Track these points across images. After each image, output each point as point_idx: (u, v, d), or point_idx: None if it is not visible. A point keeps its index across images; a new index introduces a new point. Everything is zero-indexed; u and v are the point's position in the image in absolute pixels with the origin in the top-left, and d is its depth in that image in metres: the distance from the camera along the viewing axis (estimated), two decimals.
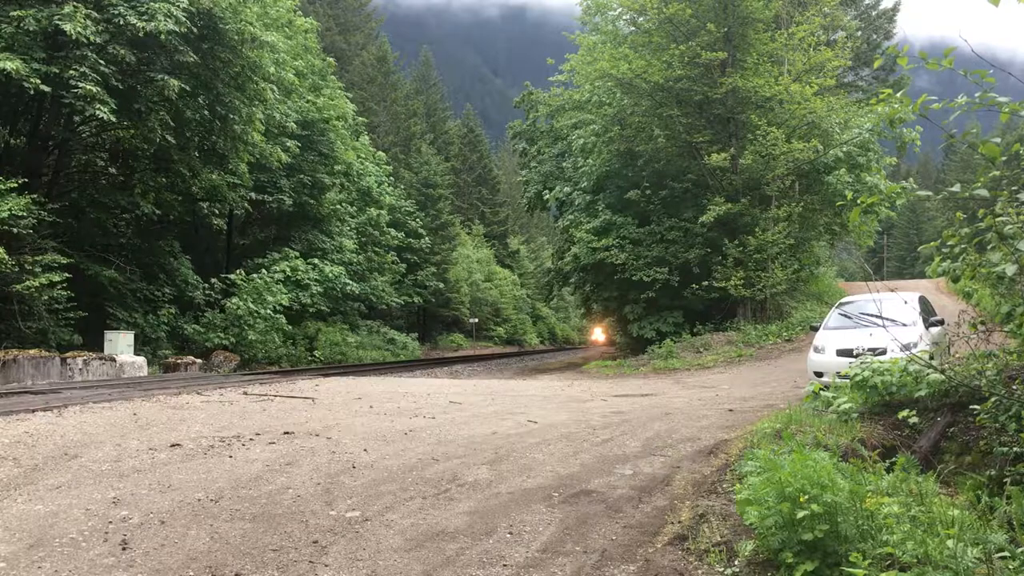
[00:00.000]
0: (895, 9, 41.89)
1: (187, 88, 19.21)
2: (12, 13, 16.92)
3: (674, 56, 24.32)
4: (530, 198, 36.51)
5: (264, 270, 27.10)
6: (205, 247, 30.36)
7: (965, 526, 4.06)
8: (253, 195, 27.64)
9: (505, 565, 4.31)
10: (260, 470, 6.42)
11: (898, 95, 5.34)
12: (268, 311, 25.09)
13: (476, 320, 57.12)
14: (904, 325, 11.13)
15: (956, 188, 5.44)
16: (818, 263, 34.14)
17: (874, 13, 41.78)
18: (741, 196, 25.45)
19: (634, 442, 7.68)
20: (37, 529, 4.88)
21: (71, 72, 16.84)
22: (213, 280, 25.74)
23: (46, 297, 17.30)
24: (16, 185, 16.70)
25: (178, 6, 18.03)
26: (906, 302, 11.07)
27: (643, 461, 6.75)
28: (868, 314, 11.54)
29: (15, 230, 16.33)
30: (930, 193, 5.67)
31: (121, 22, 17.45)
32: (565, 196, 30.89)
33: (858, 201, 5.46)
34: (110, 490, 5.78)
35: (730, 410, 10.15)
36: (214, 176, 23.23)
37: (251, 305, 24.76)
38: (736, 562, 4.24)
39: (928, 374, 6.99)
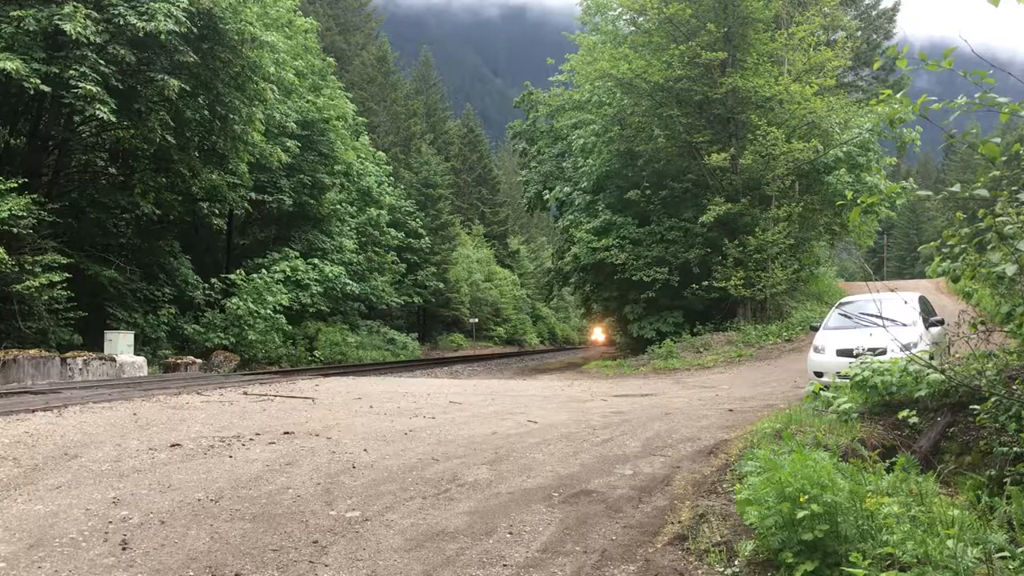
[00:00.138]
0: (895, 9, 41.96)
1: (187, 88, 19.22)
2: (12, 13, 16.93)
3: (674, 56, 24.32)
4: (530, 198, 36.51)
5: (264, 270, 27.10)
6: (205, 247, 30.36)
7: (965, 526, 4.06)
8: (253, 195, 27.64)
9: (505, 565, 4.31)
10: (260, 470, 6.42)
11: (898, 95, 5.34)
12: (268, 311, 25.10)
13: (476, 320, 57.10)
14: (904, 325, 11.13)
15: (956, 188, 5.44)
16: (818, 263, 34.13)
17: (874, 13, 41.81)
18: (741, 196, 25.45)
19: (634, 442, 7.68)
20: (37, 529, 4.88)
21: (71, 72, 16.85)
22: (213, 280, 25.74)
23: (46, 297, 17.30)
24: (16, 185, 16.71)
25: (178, 6, 18.04)
26: (906, 302, 11.07)
27: (643, 461, 6.75)
28: (868, 314, 11.54)
29: (15, 230, 16.34)
30: (930, 193, 5.67)
31: (121, 22, 17.46)
32: (565, 196, 30.89)
33: (858, 201, 5.46)
34: (110, 490, 5.78)
35: (730, 410, 10.15)
36: (214, 176, 23.23)
37: (251, 305, 24.77)
38: (736, 562, 4.25)
39: (928, 374, 6.99)
